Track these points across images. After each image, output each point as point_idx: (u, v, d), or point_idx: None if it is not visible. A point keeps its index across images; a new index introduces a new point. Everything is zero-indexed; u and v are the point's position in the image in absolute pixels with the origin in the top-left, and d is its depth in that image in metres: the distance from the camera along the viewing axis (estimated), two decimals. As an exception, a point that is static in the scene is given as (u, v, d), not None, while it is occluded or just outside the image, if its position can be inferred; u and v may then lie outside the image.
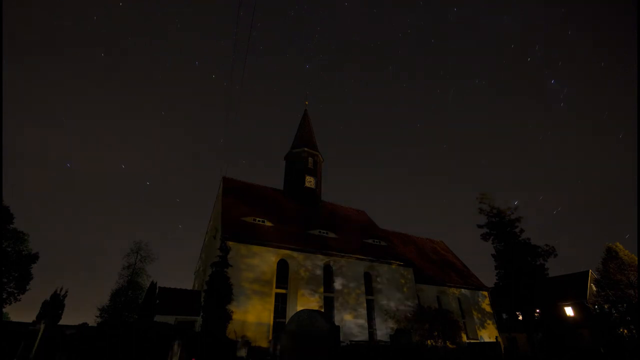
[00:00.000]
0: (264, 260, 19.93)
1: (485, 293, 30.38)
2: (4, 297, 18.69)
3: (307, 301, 19.96)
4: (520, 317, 26.09)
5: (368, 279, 23.77)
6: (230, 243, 18.50)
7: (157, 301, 17.87)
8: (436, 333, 18.67)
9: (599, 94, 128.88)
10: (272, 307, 18.98)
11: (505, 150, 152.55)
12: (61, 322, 17.90)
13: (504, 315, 35.76)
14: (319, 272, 21.62)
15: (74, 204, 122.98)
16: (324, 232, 24.46)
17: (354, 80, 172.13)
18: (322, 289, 21.08)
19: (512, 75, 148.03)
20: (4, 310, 18.38)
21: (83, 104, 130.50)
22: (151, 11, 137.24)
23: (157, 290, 18.73)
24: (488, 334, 27.10)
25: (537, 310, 22.69)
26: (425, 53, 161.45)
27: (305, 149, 32.21)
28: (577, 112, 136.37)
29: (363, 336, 20.57)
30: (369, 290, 23.31)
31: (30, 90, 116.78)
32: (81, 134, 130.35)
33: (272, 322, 18.52)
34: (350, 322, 20.78)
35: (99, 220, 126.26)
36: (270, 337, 17.49)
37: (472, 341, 25.35)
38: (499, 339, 20.93)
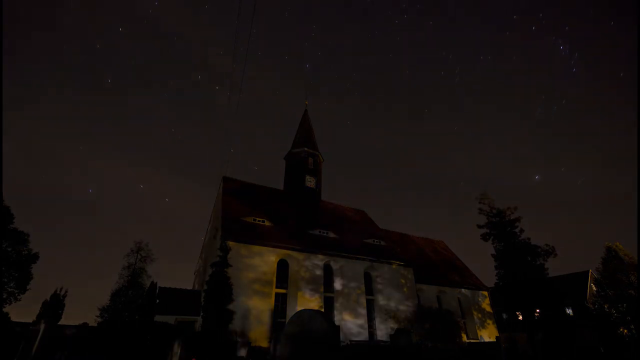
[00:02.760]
0: (264, 260, 19.95)
1: (485, 293, 30.39)
2: (4, 297, 18.69)
3: (307, 301, 19.97)
4: (520, 317, 26.11)
5: (368, 279, 23.78)
6: (230, 243, 18.50)
7: (157, 301, 17.89)
8: (436, 333, 18.69)
9: (611, 55, 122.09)
10: (272, 307, 19.00)
11: (519, 127, 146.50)
12: (61, 322, 17.91)
13: (504, 315, 35.75)
14: (319, 272, 21.63)
15: (75, 204, 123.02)
16: (324, 232, 24.46)
17: (355, 75, 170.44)
18: (322, 289, 21.09)
19: (518, 47, 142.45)
20: (4, 310, 18.36)
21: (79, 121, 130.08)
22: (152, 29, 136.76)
23: (157, 290, 18.74)
24: (488, 334, 27.12)
25: (537, 310, 22.65)
26: (424, 37, 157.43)
27: (305, 148, 32.23)
28: (590, 77, 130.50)
29: (363, 336, 20.59)
30: (369, 290, 23.32)
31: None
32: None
33: (272, 322, 18.54)
34: (350, 322, 20.79)
35: (100, 220, 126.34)
36: (270, 337, 17.51)
37: (472, 341, 25.38)
38: (499, 339, 20.94)
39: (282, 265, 21.04)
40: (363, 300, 22.21)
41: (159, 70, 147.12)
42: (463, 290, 29.04)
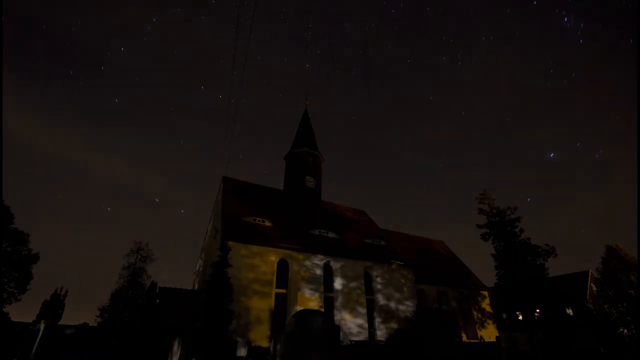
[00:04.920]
0: (264, 260, 19.93)
1: (485, 293, 30.37)
2: (4, 297, 18.69)
3: (307, 301, 19.96)
4: (520, 317, 26.13)
5: (368, 279, 23.76)
6: (230, 243, 18.50)
7: (157, 301, 17.90)
8: (436, 333, 18.68)
9: (618, 21, 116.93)
10: (272, 307, 18.98)
11: (529, 104, 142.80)
12: (61, 322, 17.92)
13: (504, 315, 35.76)
14: (319, 272, 21.62)
15: (75, 204, 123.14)
16: (324, 232, 24.45)
17: (355, 71, 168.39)
18: (322, 289, 21.07)
19: (520, 23, 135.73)
20: (4, 310, 18.36)
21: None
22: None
23: (157, 290, 18.76)
24: (488, 334, 27.10)
25: (537, 310, 22.65)
26: (423, 25, 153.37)
27: (306, 148, 32.19)
28: (598, 45, 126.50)
29: (363, 336, 20.58)
30: (369, 290, 23.31)
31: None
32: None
33: (272, 322, 18.52)
34: (350, 322, 20.78)
35: (100, 219, 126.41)
36: (270, 337, 17.50)
37: (472, 341, 25.37)
38: (499, 339, 20.95)
39: (282, 265, 21.02)
40: (363, 300, 22.19)
41: (162, 82, 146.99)
42: (463, 290, 29.01)
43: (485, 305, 29.45)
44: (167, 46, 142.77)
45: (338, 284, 21.91)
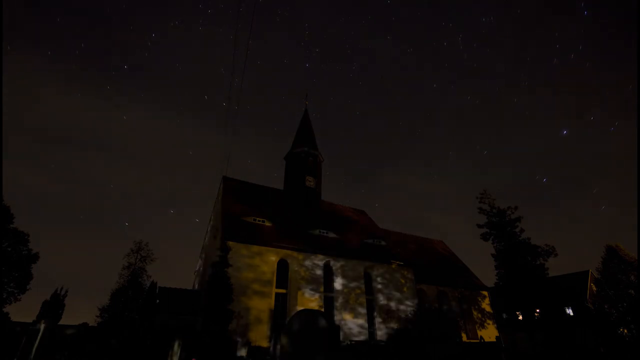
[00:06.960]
0: (264, 260, 19.94)
1: (485, 293, 30.38)
2: (4, 297, 18.70)
3: (307, 301, 19.96)
4: (520, 317, 26.14)
5: (368, 279, 23.76)
6: (230, 243, 18.50)
7: (157, 301, 17.90)
8: (436, 333, 18.69)
9: None
10: (272, 307, 18.99)
11: (537, 80, 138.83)
12: (61, 322, 17.91)
13: (504, 315, 35.74)
14: (319, 272, 21.62)
15: (75, 204, 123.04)
16: (324, 232, 24.45)
17: (355, 67, 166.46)
18: (322, 289, 21.08)
19: (521, 2, 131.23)
20: (4, 310, 18.37)
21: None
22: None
23: (157, 290, 18.76)
24: (488, 334, 27.11)
25: (537, 310, 22.67)
26: (420, 12, 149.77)
27: (306, 148, 32.18)
28: (604, 17, 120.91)
29: (363, 336, 20.59)
30: (369, 290, 23.31)
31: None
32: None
33: (272, 322, 18.53)
34: (350, 322, 20.79)
35: (100, 219, 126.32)
36: (270, 337, 17.51)
37: (472, 341, 25.38)
38: (499, 339, 20.96)
39: (282, 265, 21.03)
40: (363, 300, 22.20)
41: (164, 89, 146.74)
42: (463, 290, 29.02)
43: (485, 305, 29.46)
44: (167, 53, 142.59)
45: (338, 284, 21.91)
